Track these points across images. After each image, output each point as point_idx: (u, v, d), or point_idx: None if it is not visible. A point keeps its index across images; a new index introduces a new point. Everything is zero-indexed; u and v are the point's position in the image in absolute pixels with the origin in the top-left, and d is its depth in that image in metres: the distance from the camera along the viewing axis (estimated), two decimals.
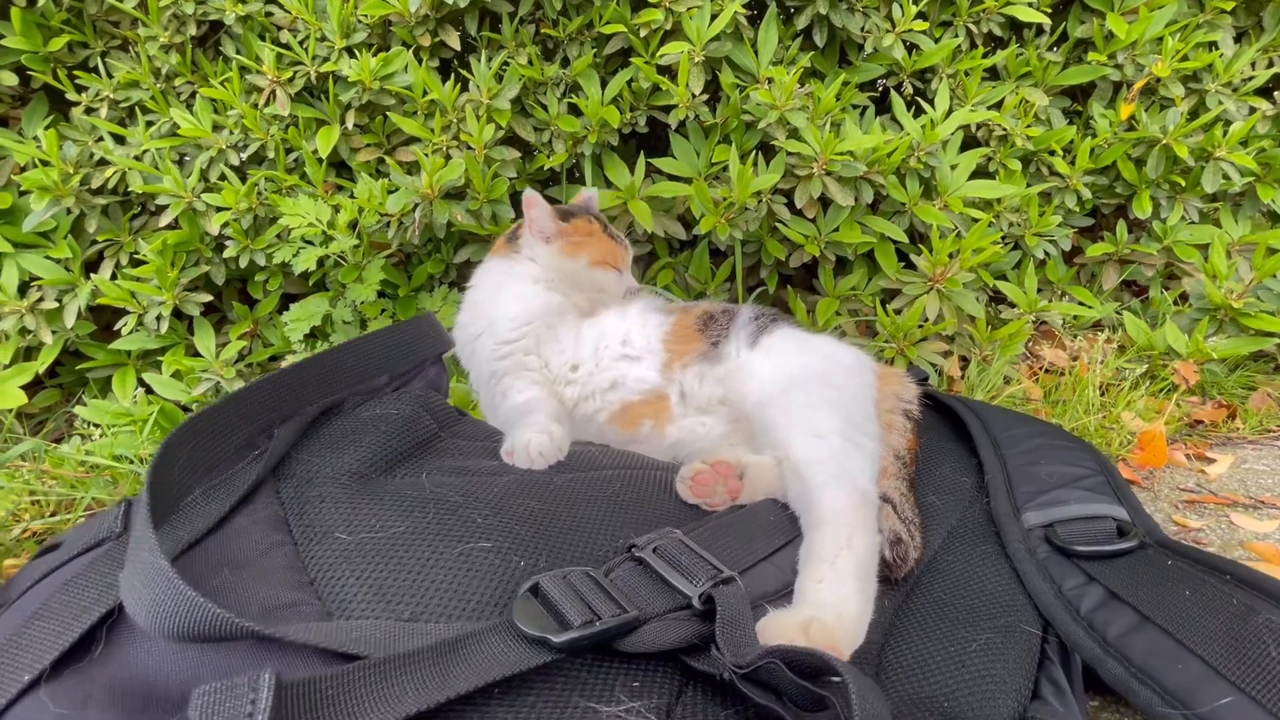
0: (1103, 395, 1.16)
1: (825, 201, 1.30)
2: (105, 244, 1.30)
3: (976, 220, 1.31)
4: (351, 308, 1.25)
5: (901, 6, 1.32)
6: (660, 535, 0.55)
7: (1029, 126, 1.42)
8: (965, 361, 1.34)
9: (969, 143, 1.44)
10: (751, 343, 0.91)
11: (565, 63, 1.33)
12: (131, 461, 1.20)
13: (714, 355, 0.91)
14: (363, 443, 0.63)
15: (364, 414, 0.67)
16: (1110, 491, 0.69)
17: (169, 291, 1.25)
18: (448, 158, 1.24)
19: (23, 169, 1.25)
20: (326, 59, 1.23)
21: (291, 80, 1.21)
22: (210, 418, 0.53)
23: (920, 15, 1.34)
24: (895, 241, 1.33)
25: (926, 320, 1.29)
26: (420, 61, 1.24)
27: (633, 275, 1.07)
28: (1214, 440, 1.10)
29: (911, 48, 1.38)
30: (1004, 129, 1.39)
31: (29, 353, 1.30)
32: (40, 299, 1.27)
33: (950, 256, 1.28)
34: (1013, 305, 1.42)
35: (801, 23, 1.32)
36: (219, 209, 1.20)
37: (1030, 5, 1.39)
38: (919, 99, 1.40)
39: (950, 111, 1.36)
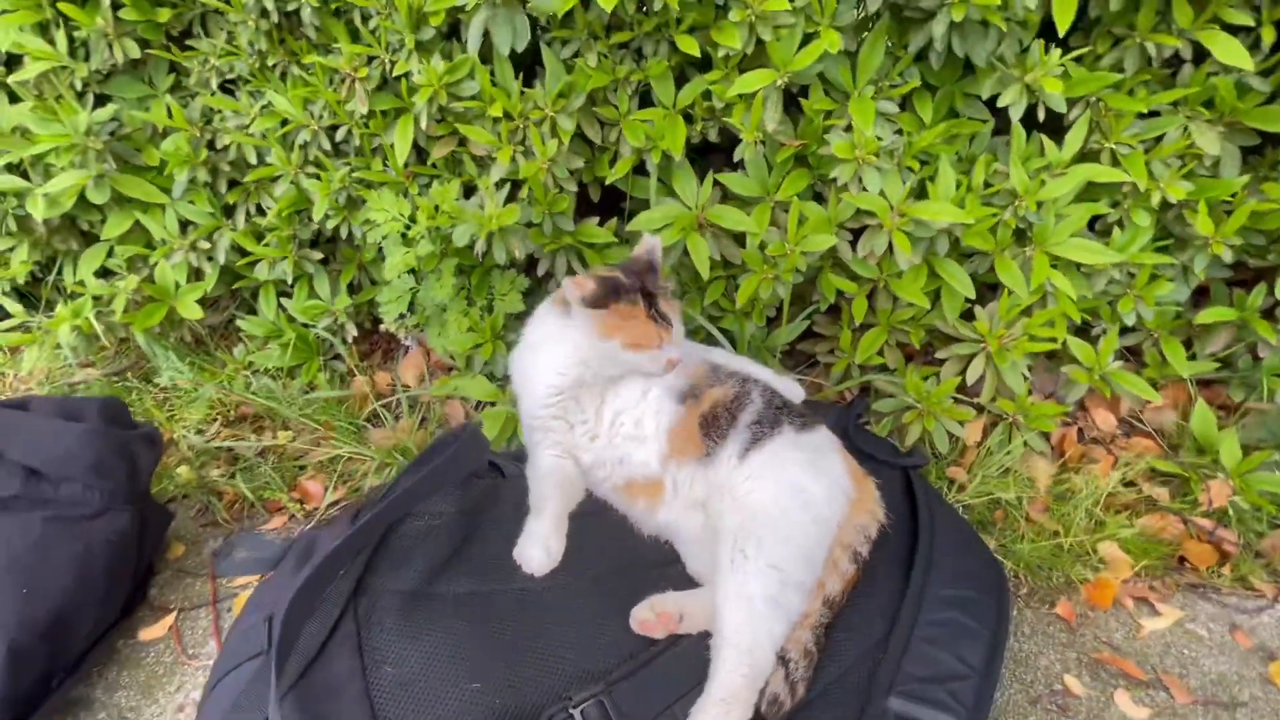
0: (1102, 509, 1.19)
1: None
2: (235, 201, 1.50)
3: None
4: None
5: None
6: (590, 694, 0.81)
7: (1184, 176, 1.18)
8: (995, 419, 1.35)
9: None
10: (742, 453, 1.04)
11: (639, 55, 1.22)
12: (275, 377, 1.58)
13: (707, 461, 1.06)
14: (414, 558, 0.90)
15: (417, 525, 0.93)
16: (969, 700, 0.85)
17: (287, 250, 1.47)
18: (514, 161, 1.27)
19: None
20: (399, 49, 1.22)
21: (367, 77, 1.23)
22: (313, 585, 0.80)
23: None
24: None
25: (964, 383, 1.29)
26: (488, 61, 1.19)
27: (681, 334, 1.12)
28: (1183, 583, 1.14)
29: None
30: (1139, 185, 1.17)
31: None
32: (196, 240, 1.53)
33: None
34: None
35: (915, 43, 1.10)
36: (318, 196, 1.35)
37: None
38: (1040, 129, 1.18)
39: (1082, 151, 1.16)
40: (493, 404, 1.38)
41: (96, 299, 1.55)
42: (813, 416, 1.13)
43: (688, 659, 0.89)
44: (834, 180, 1.18)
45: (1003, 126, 1.25)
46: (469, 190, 1.37)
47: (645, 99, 1.27)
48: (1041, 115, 1.15)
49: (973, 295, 1.24)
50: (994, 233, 1.22)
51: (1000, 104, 1.13)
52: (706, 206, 1.28)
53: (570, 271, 1.38)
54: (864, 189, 1.15)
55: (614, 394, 1.11)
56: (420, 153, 1.37)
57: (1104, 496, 1.19)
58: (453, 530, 0.94)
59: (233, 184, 1.50)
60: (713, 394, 1.10)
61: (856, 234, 1.24)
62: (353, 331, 1.57)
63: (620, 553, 1.02)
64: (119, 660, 1.08)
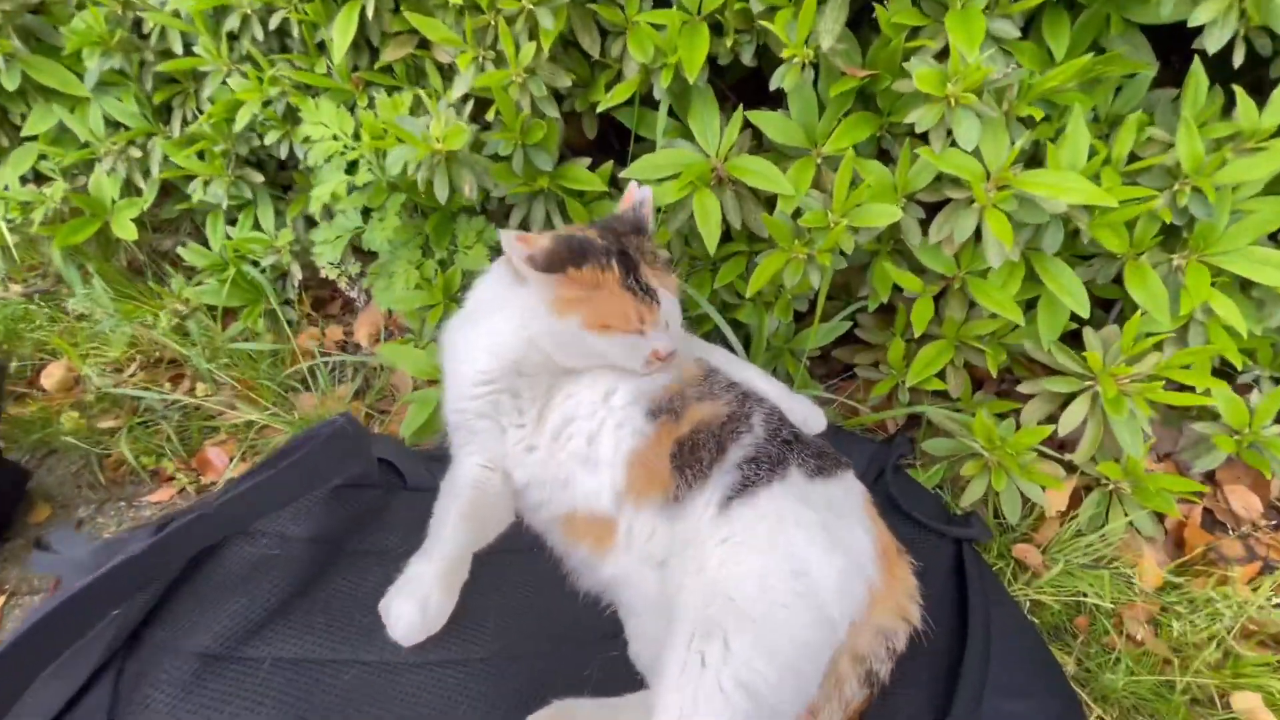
0: (1239, 637, 0.83)
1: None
2: (168, 100, 1.25)
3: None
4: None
5: None
6: None
7: None
8: (1090, 484, 1.00)
9: None
10: (724, 502, 0.74)
11: None
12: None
13: (675, 510, 0.75)
14: (228, 602, 0.63)
15: (247, 553, 0.66)
16: None
17: (219, 168, 1.21)
18: (481, 69, 0.96)
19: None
20: None
21: None
22: (35, 639, 0.54)
23: None
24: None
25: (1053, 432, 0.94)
26: None
27: (678, 318, 0.83)
28: None
29: None
30: None
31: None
32: (129, 144, 1.29)
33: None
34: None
35: None
36: (245, 101, 1.07)
37: None
38: (1234, 80, 0.80)
39: None
40: (434, 383, 1.10)
41: (24, 205, 1.33)
42: (835, 457, 0.81)
43: None
44: (909, 130, 0.83)
45: (1168, 78, 0.87)
46: None
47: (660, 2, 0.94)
48: (1239, 59, 0.77)
49: (1085, 313, 0.88)
50: (1130, 228, 0.86)
51: (1192, 24, 0.75)
52: (730, 155, 0.95)
53: (550, 226, 1.08)
54: (953, 144, 0.80)
55: (566, 393, 0.82)
56: (374, 54, 1.08)
57: (1243, 619, 0.83)
58: (298, 564, 0.67)
59: (171, 80, 1.25)
60: (698, 412, 0.79)
61: (931, 210, 0.89)
62: (298, 274, 1.32)
63: (538, 619, 0.74)
64: None
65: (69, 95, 1.24)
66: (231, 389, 1.23)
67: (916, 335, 0.96)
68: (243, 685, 0.60)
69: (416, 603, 0.67)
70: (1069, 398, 0.94)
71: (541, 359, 0.81)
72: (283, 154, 1.17)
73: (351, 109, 1.07)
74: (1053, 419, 0.95)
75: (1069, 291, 0.88)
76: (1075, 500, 0.97)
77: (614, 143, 1.16)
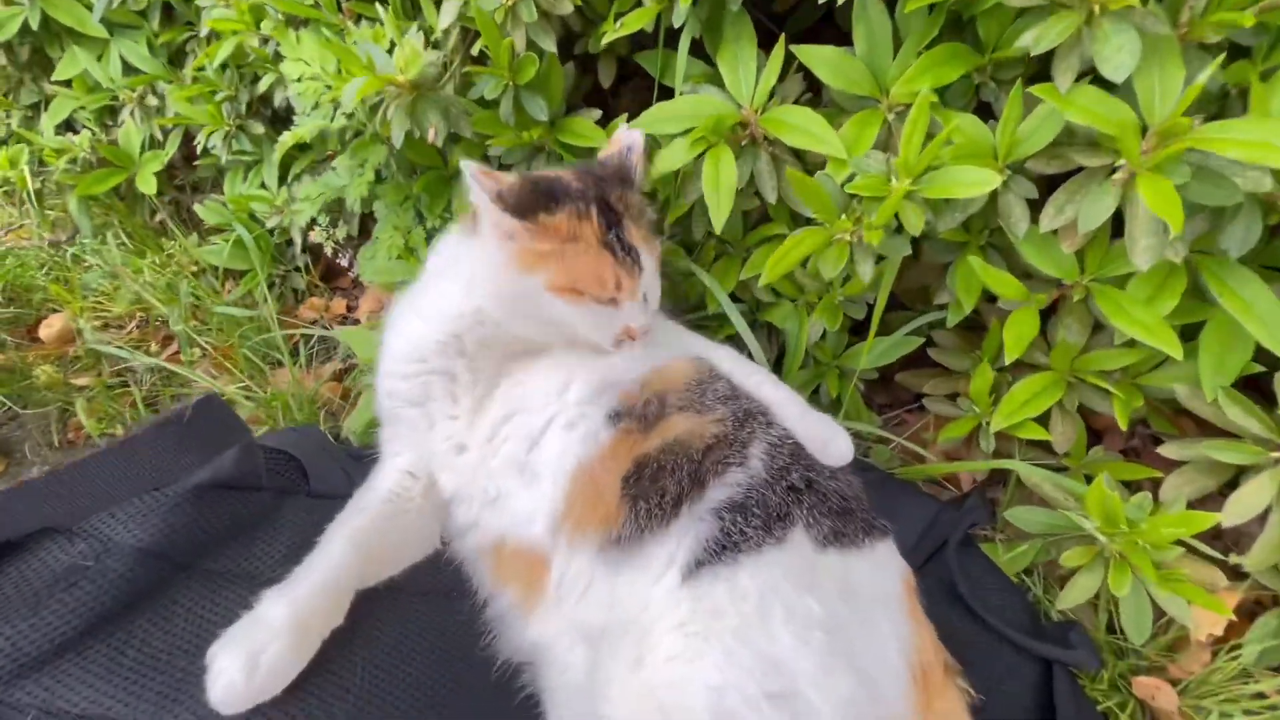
0: None
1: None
2: (178, 41, 1.17)
3: None
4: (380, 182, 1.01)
5: None
6: None
7: None
8: (1258, 602, 0.68)
9: None
10: (690, 566, 0.52)
11: None
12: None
13: (619, 558, 0.54)
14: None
15: (52, 562, 0.51)
16: None
17: (218, 118, 1.12)
18: None
19: None
20: None
21: None
22: None
23: None
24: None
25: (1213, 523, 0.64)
26: None
27: (656, 292, 0.67)
28: None
29: None
30: None
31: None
32: (148, 91, 1.24)
33: None
34: None
35: None
36: (231, 34, 0.96)
37: None
38: None
39: None
40: None
41: (57, 153, 1.31)
42: (866, 518, 0.58)
43: None
44: (1021, 72, 0.57)
45: None
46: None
47: None
48: None
49: None
50: None
51: None
52: (768, 106, 0.72)
53: None
54: (1093, 80, 0.53)
55: (514, 379, 0.64)
56: None
57: None
58: (118, 582, 0.52)
59: (188, 24, 1.18)
60: (675, 425, 0.58)
61: (1051, 184, 0.62)
62: (301, 239, 1.21)
63: (425, 689, 0.55)
64: None
65: (90, 38, 1.20)
66: (209, 358, 1.13)
67: (1010, 362, 0.68)
68: None
69: (245, 657, 0.49)
70: (1241, 472, 0.64)
71: (488, 334, 0.64)
72: (278, 102, 1.06)
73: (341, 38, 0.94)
74: (1212, 500, 0.65)
75: (1258, 316, 0.59)
76: (1239, 626, 0.66)
77: (641, 96, 0.95)
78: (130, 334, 1.22)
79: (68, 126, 1.35)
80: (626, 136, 0.67)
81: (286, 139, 0.90)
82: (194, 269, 1.31)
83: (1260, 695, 0.62)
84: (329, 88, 0.89)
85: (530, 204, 0.60)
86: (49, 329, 1.20)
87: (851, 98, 0.70)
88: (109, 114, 1.33)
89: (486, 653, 0.59)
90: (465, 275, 0.65)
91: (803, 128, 0.69)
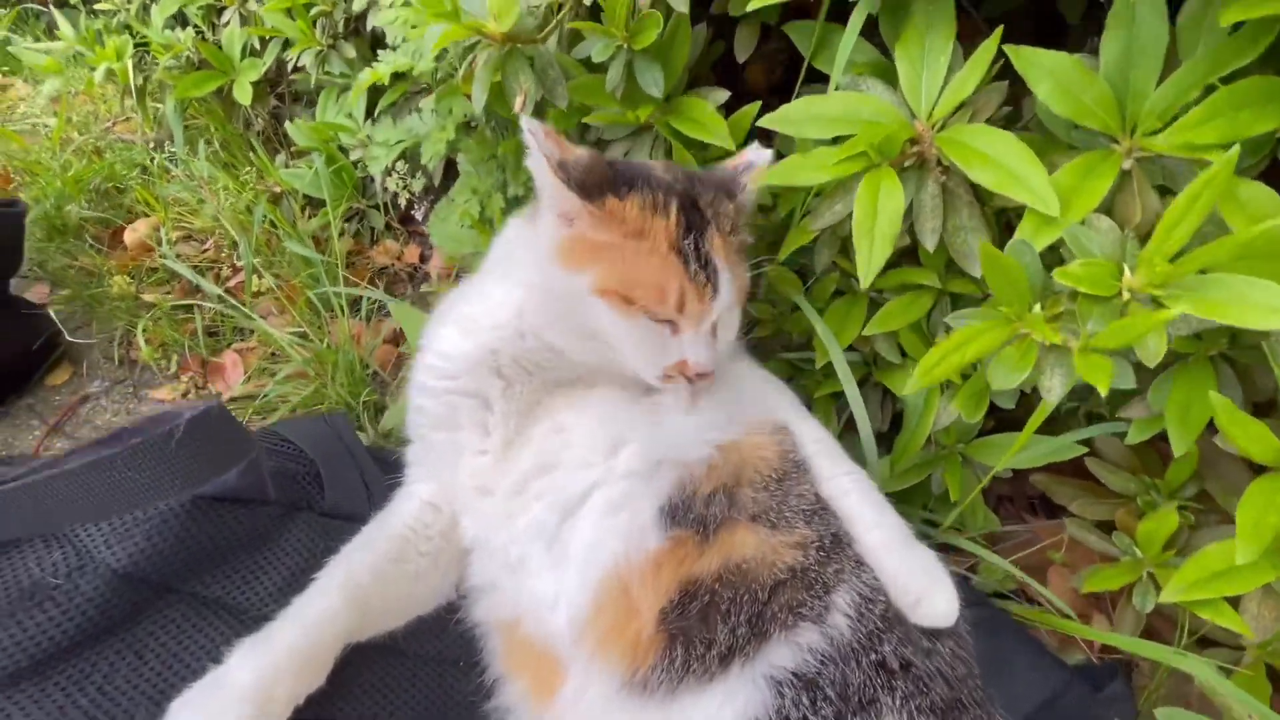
0: None
1: None
2: None
3: None
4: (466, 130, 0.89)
5: None
6: None
7: None
8: None
9: None
10: None
11: None
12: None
13: (642, 705, 0.43)
14: None
15: (12, 577, 0.45)
16: None
17: (309, 36, 1.03)
18: None
19: None
20: None
21: None
22: None
23: None
24: None
25: None
26: None
27: (732, 331, 0.54)
28: None
29: None
30: None
31: None
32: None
33: None
34: None
35: None
36: None
37: None
38: None
39: None
40: None
41: (165, 49, 1.27)
42: (980, 710, 0.43)
43: None
44: None
45: None
46: None
47: None
48: None
49: None
50: None
51: None
52: (949, 120, 0.54)
53: None
54: None
55: (555, 422, 0.53)
56: None
57: None
58: (84, 607, 0.45)
59: None
60: (743, 540, 0.46)
61: None
62: (377, 175, 1.12)
63: None
64: None
65: None
66: (273, 293, 1.08)
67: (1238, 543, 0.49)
68: None
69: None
70: None
71: (529, 351, 0.53)
72: (369, 25, 0.95)
73: None
74: None
75: None
76: None
77: (782, 74, 0.78)
78: (207, 252, 1.19)
79: (180, 22, 1.30)
80: (755, 154, 0.52)
81: (364, 78, 0.79)
82: (276, 191, 1.26)
83: None
84: (414, 27, 0.76)
85: (599, 181, 0.48)
86: (133, 234, 1.19)
87: (1080, 130, 0.51)
88: (215, 13, 1.27)
89: None
90: (513, 275, 0.54)
91: (997, 160, 0.50)
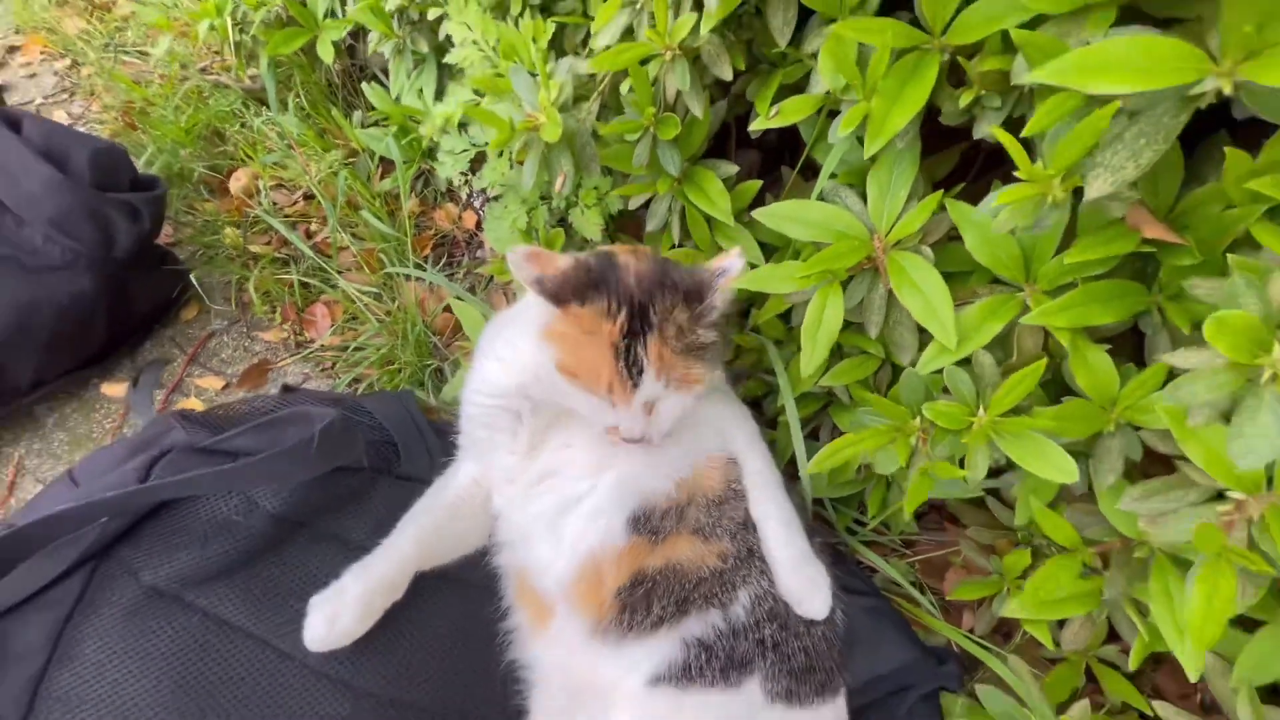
0: None
1: None
2: None
3: None
4: None
5: None
6: None
7: None
8: None
9: None
10: (652, 678, 0.64)
11: None
12: None
13: (598, 647, 0.67)
14: (182, 549, 0.69)
15: (218, 511, 0.71)
16: None
17: (385, 24, 1.15)
18: (631, 32, 0.74)
19: None
20: None
21: None
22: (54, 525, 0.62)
23: None
24: None
25: None
26: None
27: (674, 413, 0.68)
28: None
29: None
30: None
31: None
32: None
33: None
34: None
35: None
36: None
37: None
38: None
39: None
40: None
41: (259, 5, 1.39)
42: (824, 680, 0.66)
43: None
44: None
45: None
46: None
47: None
48: None
49: None
50: None
51: None
52: (905, 240, 0.67)
53: (667, 231, 0.89)
54: None
55: (563, 440, 0.73)
56: None
57: None
58: (254, 538, 0.70)
59: None
60: (681, 547, 0.67)
61: None
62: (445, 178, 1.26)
63: (444, 675, 0.72)
64: (78, 399, 1.10)
65: None
66: (351, 252, 1.27)
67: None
68: (171, 627, 0.66)
69: (326, 617, 0.67)
70: None
71: (545, 391, 0.71)
72: (442, 35, 1.06)
73: (502, 17, 0.91)
74: None
75: None
76: None
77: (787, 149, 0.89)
78: (297, 205, 1.38)
79: None
80: (730, 260, 0.66)
81: (436, 116, 0.93)
82: (353, 149, 1.41)
83: None
84: (489, 62, 0.89)
85: (567, 294, 0.64)
86: (236, 183, 1.38)
87: (997, 277, 0.64)
88: None
89: (498, 646, 0.76)
90: (529, 333, 0.69)
91: (923, 291, 0.65)
